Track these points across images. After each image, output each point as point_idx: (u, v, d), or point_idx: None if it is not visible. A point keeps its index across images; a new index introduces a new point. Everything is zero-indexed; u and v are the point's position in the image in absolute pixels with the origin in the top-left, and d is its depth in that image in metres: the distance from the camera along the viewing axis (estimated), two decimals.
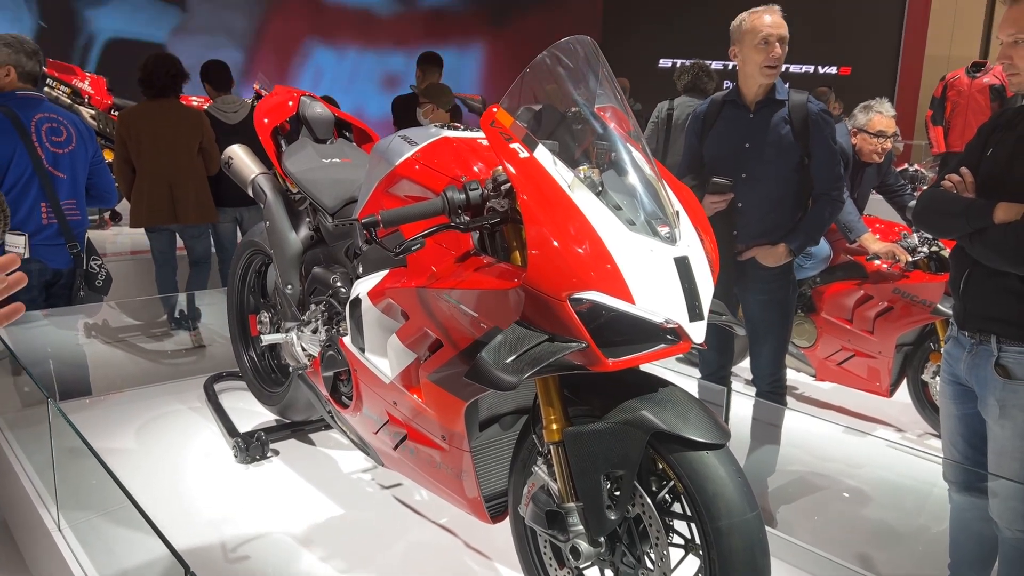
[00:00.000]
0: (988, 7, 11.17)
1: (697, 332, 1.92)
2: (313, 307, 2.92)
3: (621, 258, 1.87)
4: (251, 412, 3.73)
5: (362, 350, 2.50)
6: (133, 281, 5.64)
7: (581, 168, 2.06)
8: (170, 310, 5.03)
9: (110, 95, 7.31)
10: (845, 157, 4.52)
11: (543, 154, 2.01)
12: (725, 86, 4.73)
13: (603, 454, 1.92)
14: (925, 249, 4.48)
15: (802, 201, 3.51)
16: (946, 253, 4.47)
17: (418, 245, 1.96)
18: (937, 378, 4.53)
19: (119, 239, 7.09)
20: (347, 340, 2.58)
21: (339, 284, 2.82)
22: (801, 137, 3.40)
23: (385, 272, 2.43)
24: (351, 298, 2.52)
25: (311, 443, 3.52)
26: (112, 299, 5.06)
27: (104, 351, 4.54)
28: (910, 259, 4.40)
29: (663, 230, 1.98)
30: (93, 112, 7.17)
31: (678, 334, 1.93)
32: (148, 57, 5.25)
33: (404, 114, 6.24)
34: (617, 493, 1.92)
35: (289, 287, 3.05)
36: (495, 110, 2.09)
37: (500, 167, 2.07)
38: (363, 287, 2.45)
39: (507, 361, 1.84)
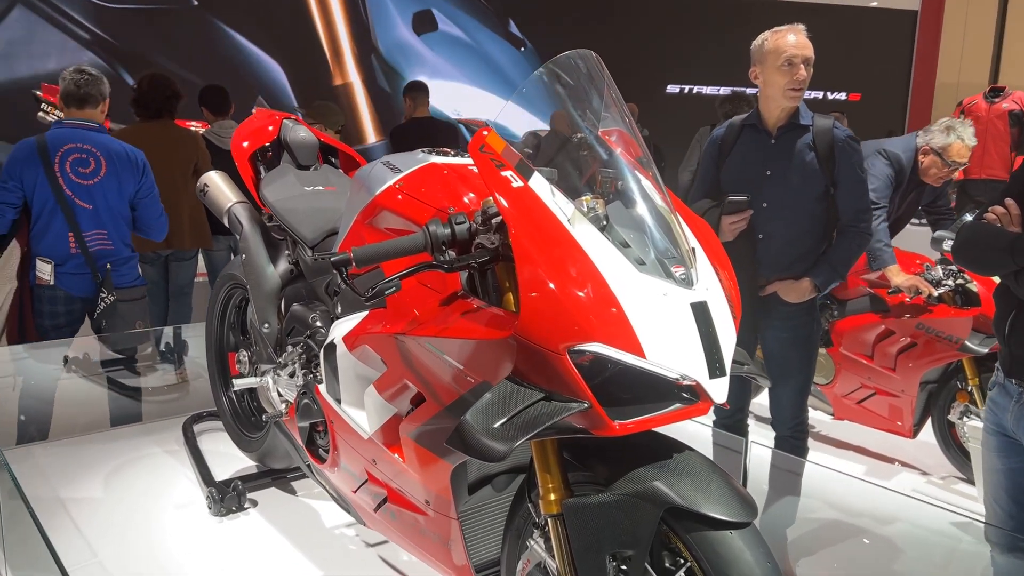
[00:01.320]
0: (997, 33, 10.95)
1: (718, 391, 1.63)
2: (290, 348, 2.64)
3: (629, 304, 1.59)
4: (232, 456, 3.44)
5: (338, 400, 2.21)
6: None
7: (583, 199, 1.78)
8: (156, 344, 4.75)
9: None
10: (901, 174, 4.23)
11: (539, 183, 1.74)
12: None
13: (609, 531, 1.62)
14: (951, 282, 4.18)
15: (827, 233, 3.22)
16: (973, 287, 4.17)
17: (392, 288, 1.68)
18: (965, 419, 4.23)
19: None
20: (323, 388, 2.30)
21: (318, 324, 2.53)
22: (826, 164, 3.12)
23: (364, 313, 2.14)
24: (326, 342, 2.24)
25: (292, 492, 3.22)
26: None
27: (82, 388, 4.26)
28: (935, 293, 4.10)
29: (678, 271, 1.69)
30: None
31: (696, 392, 1.64)
32: (142, 77, 5.02)
33: (403, 145, 6.02)
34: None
35: (266, 326, 2.77)
36: (485, 133, 1.82)
37: (491, 198, 1.79)
38: (339, 330, 2.17)
39: (496, 425, 1.56)
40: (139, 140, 4.80)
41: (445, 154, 2.23)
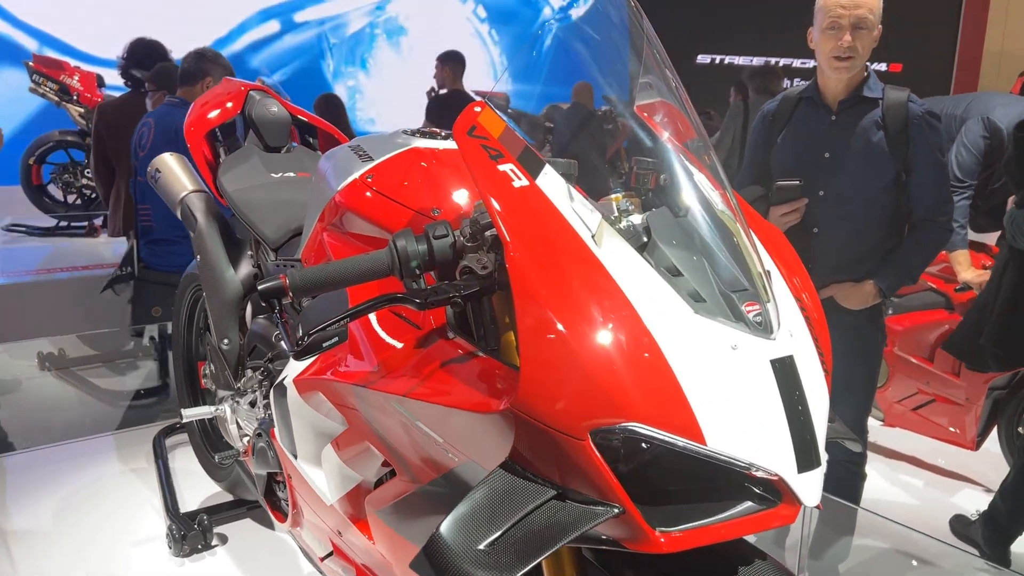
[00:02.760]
0: None
1: (810, 489, 1.10)
2: (250, 373, 2.12)
3: (682, 362, 1.07)
4: (205, 477, 2.95)
5: (294, 454, 1.70)
6: (109, 299, 4.87)
7: (612, 202, 1.25)
8: (139, 337, 4.27)
9: (101, 93, 6.57)
10: (998, 150, 3.56)
11: (552, 182, 1.20)
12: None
13: None
14: None
15: (896, 227, 2.64)
16: None
17: (334, 340, 1.16)
18: None
19: (108, 249, 6.35)
20: (277, 433, 1.78)
21: (283, 344, 2.01)
22: (898, 146, 2.54)
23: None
24: (277, 380, 1.72)
25: (269, 526, 2.73)
26: (77, 322, 4.34)
27: (53, 390, 3.80)
28: None
29: (750, 310, 1.15)
30: (82, 110, 6.45)
31: (776, 489, 1.11)
32: (130, 43, 4.50)
33: (441, 118, 5.41)
34: None
35: (225, 342, 2.26)
36: (477, 110, 1.28)
37: (481, 196, 1.27)
38: (293, 368, 1.64)
39: (484, 545, 1.05)
40: (126, 112, 4.31)
41: (433, 136, 1.69)
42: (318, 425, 1.57)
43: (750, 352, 1.10)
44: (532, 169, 1.21)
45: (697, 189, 1.30)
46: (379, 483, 1.48)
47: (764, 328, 1.14)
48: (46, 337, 4.16)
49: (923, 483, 3.94)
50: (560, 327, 1.06)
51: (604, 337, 1.06)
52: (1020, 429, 3.75)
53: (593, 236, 1.16)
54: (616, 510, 1.06)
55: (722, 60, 10.23)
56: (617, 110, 1.52)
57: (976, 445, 3.87)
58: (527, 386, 1.06)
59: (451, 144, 1.67)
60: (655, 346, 1.07)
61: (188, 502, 2.82)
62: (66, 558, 2.54)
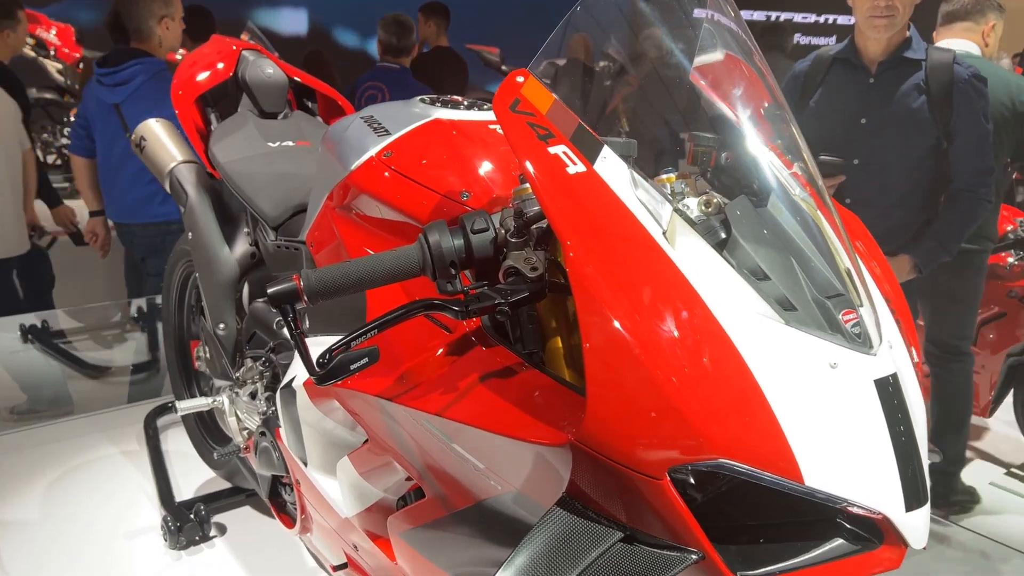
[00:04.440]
0: None
1: (917, 529, 0.94)
2: (250, 363, 1.94)
3: (775, 385, 0.90)
4: (200, 460, 2.78)
5: (304, 462, 1.53)
6: (97, 267, 4.63)
7: (664, 180, 1.07)
8: (127, 308, 4.06)
9: (79, 47, 6.24)
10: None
11: (612, 167, 1.02)
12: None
13: None
14: None
15: (934, 198, 2.47)
16: None
17: (361, 363, 0.98)
18: None
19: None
20: (285, 435, 1.61)
21: (285, 332, 1.83)
22: (941, 111, 2.35)
23: (338, 338, 1.43)
24: (284, 381, 1.54)
25: (270, 514, 2.56)
26: (63, 293, 4.10)
27: (37, 365, 3.60)
28: None
29: (848, 319, 0.98)
30: (60, 67, 6.13)
31: (876, 528, 0.95)
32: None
33: (427, 77, 4.93)
34: None
35: (221, 327, 2.07)
36: (520, 79, 1.08)
37: (529, 184, 1.08)
38: (302, 369, 1.46)
39: None
40: None
41: (456, 105, 1.49)
42: (332, 434, 1.40)
43: (851, 371, 0.94)
44: (588, 152, 1.03)
45: (773, 171, 1.12)
46: (402, 501, 1.32)
47: (864, 341, 0.97)
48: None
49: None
50: (634, 346, 0.88)
51: (685, 358, 0.89)
52: None
53: (664, 233, 0.97)
54: (694, 556, 0.90)
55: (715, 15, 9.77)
56: (616, 65, 1.34)
57: (989, 412, 3.76)
58: (595, 416, 0.89)
59: (476, 114, 1.47)
60: (744, 367, 0.90)
61: (183, 489, 2.66)
62: (56, 555, 2.38)
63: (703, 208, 1.05)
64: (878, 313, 1.02)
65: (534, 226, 1.06)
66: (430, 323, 1.19)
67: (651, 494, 0.89)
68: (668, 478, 0.88)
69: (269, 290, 1.03)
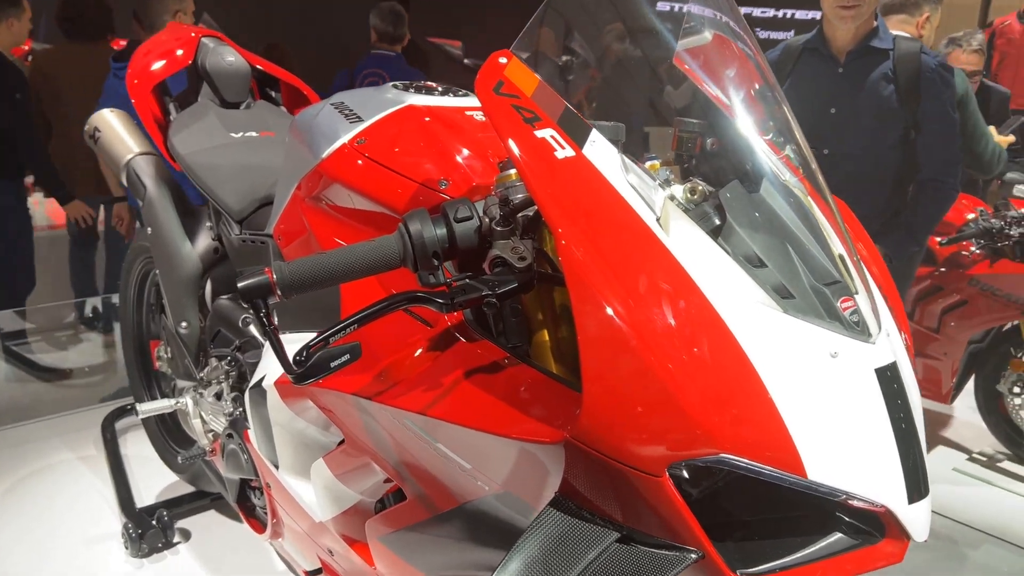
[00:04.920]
0: None
1: (919, 522, 0.92)
2: (215, 362, 1.86)
3: (775, 376, 0.86)
4: (162, 464, 2.69)
5: (275, 464, 1.46)
6: (45, 266, 4.47)
7: (666, 171, 1.03)
8: (82, 307, 3.92)
9: (28, 39, 6.00)
10: None
11: (601, 151, 0.97)
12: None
13: None
14: (1014, 232, 3.46)
15: (902, 188, 2.48)
16: None
17: (342, 360, 0.92)
18: (1016, 389, 3.61)
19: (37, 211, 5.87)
20: (253, 436, 1.54)
21: (252, 330, 1.76)
22: (909, 101, 2.36)
23: (312, 335, 1.37)
24: (253, 380, 1.47)
25: (236, 518, 2.48)
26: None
27: None
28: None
29: (845, 307, 0.95)
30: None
31: (876, 521, 0.92)
32: None
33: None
34: None
35: (183, 325, 1.98)
36: (503, 60, 1.03)
37: (513, 170, 1.03)
38: (272, 366, 1.39)
39: None
40: (65, 64, 3.85)
41: (429, 91, 1.43)
42: (305, 435, 1.34)
43: (851, 360, 0.90)
44: (576, 135, 0.98)
45: (762, 156, 1.09)
46: (381, 504, 1.26)
47: (862, 329, 0.94)
48: None
49: None
50: (631, 337, 0.84)
51: (684, 349, 0.85)
52: (999, 387, 3.70)
53: (658, 219, 0.93)
54: (694, 555, 0.86)
55: (680, 8, 9.86)
56: (580, 59, 1.30)
57: (951, 399, 3.81)
58: (591, 412, 0.84)
59: (451, 100, 1.42)
60: (743, 358, 0.86)
61: (144, 494, 2.56)
62: (10, 570, 2.27)
63: (688, 195, 1.01)
64: (874, 300, 1.00)
65: (520, 214, 1.01)
66: (409, 317, 1.14)
67: (649, 492, 0.85)
68: (667, 475, 0.84)
69: (239, 284, 0.96)
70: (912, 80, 2.35)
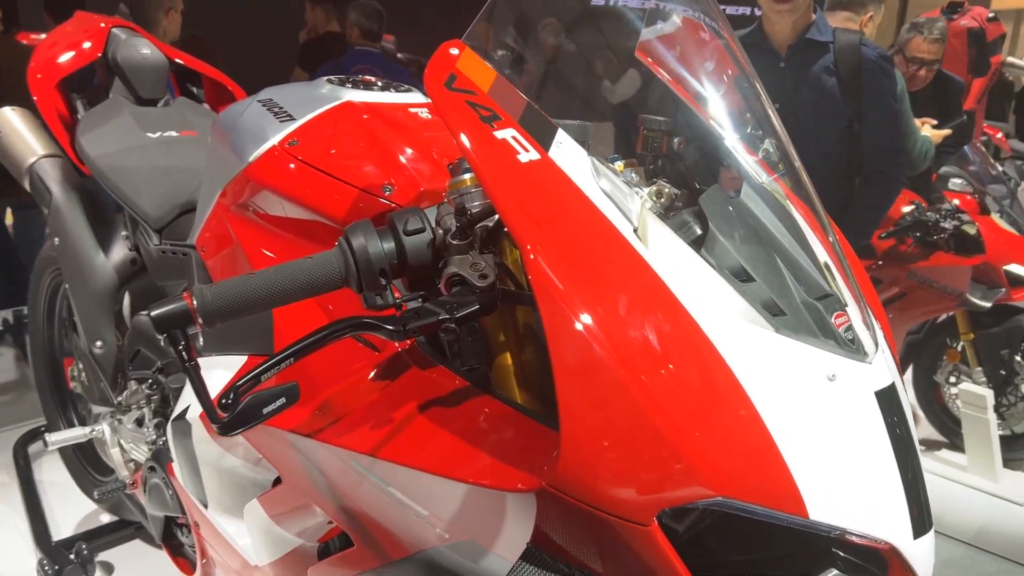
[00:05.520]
0: None
1: (923, 556, 0.83)
2: (134, 385, 1.69)
3: (771, 404, 0.77)
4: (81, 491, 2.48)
5: (204, 503, 1.31)
6: None
7: (630, 172, 0.93)
8: None
9: None
10: None
11: (569, 153, 0.86)
12: None
13: None
14: (948, 225, 3.50)
15: (848, 181, 2.45)
16: (972, 229, 3.51)
17: (277, 405, 0.79)
18: (952, 379, 3.67)
19: None
20: (178, 471, 1.38)
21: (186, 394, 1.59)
22: (852, 94, 2.33)
23: (239, 360, 1.22)
24: (175, 410, 1.32)
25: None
26: None
27: None
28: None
29: (839, 323, 0.86)
30: None
31: (877, 557, 0.84)
32: None
33: (317, 64, 4.56)
34: None
35: (97, 344, 1.80)
36: (455, 52, 0.91)
37: (467, 174, 0.91)
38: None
39: None
40: None
41: (369, 87, 1.30)
42: (236, 473, 1.19)
43: (850, 383, 0.82)
44: (541, 136, 0.87)
45: (739, 156, 0.99)
46: (324, 548, 1.13)
47: (858, 347, 0.85)
48: None
49: None
50: (615, 368, 0.73)
51: (672, 379, 0.75)
52: (936, 378, 3.74)
53: (636, 230, 0.83)
54: None
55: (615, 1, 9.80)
56: (516, 55, 1.20)
57: None
58: (571, 456, 0.73)
59: (393, 96, 1.29)
60: (737, 386, 0.77)
61: (62, 524, 2.35)
62: None
63: (654, 199, 0.91)
64: (866, 313, 0.91)
65: (479, 225, 0.89)
66: (353, 340, 1.01)
67: (635, 541, 0.74)
68: (657, 524, 0.74)
69: (152, 313, 0.82)
70: (853, 73, 2.33)
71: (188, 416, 1.24)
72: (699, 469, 0.73)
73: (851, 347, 0.85)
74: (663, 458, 0.73)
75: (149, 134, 1.82)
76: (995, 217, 3.63)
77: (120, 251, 1.83)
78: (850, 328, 0.86)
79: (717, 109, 1.02)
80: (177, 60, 2.08)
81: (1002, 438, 3.44)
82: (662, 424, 0.73)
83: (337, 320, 0.84)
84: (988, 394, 3.28)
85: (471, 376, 0.92)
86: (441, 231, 0.90)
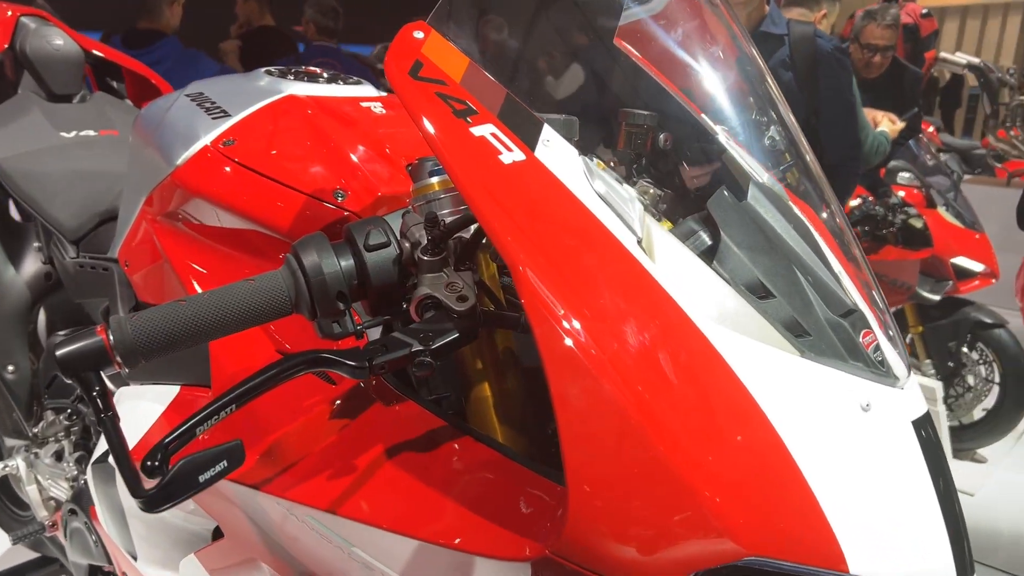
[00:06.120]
0: None
1: None
2: (51, 415, 1.50)
3: (801, 442, 0.65)
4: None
5: (133, 555, 1.14)
6: None
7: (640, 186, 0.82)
8: None
9: None
10: None
11: (560, 154, 0.74)
12: None
13: None
14: (896, 219, 3.50)
15: None
16: (919, 223, 3.51)
17: (217, 471, 0.64)
18: None
19: None
20: (103, 517, 1.21)
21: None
22: (807, 87, 2.27)
23: (171, 392, 1.06)
24: (96, 453, 1.15)
25: None
26: None
27: None
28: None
29: (867, 343, 0.76)
30: None
31: None
32: None
33: (251, 58, 4.26)
34: None
35: (10, 369, 1.60)
36: (419, 35, 0.78)
37: (435, 178, 0.78)
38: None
39: None
40: None
41: (312, 78, 1.15)
42: (169, 524, 1.03)
43: (886, 413, 0.71)
44: (524, 133, 0.74)
45: (735, 153, 0.88)
46: None
47: (887, 370, 0.75)
48: None
49: None
50: (632, 410, 0.61)
51: (696, 419, 0.63)
52: None
53: (640, 242, 0.71)
54: None
55: None
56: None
57: None
58: (581, 516, 0.61)
59: (342, 89, 1.14)
60: (765, 422, 0.65)
61: None
62: None
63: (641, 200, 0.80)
64: (890, 329, 0.81)
65: (453, 238, 0.76)
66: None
67: None
68: None
69: (59, 352, 0.67)
70: (809, 65, 2.28)
71: (111, 460, 1.07)
72: (730, 523, 0.61)
73: (881, 370, 0.74)
74: (689, 512, 0.61)
75: (63, 134, 1.63)
76: (941, 211, 3.65)
77: (32, 265, 1.63)
78: (878, 348, 0.76)
79: (710, 100, 0.91)
80: (95, 52, 1.88)
81: (951, 429, 3.46)
82: (687, 472, 0.61)
83: (289, 356, 0.70)
84: (937, 386, 3.28)
85: (442, 410, 0.79)
86: (408, 244, 0.77)
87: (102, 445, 1.13)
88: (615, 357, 0.62)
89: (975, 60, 5.67)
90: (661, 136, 0.97)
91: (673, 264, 0.71)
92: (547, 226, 0.68)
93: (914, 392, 0.75)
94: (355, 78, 1.20)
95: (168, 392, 1.07)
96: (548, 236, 0.67)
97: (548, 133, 0.75)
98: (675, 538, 0.61)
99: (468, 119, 0.72)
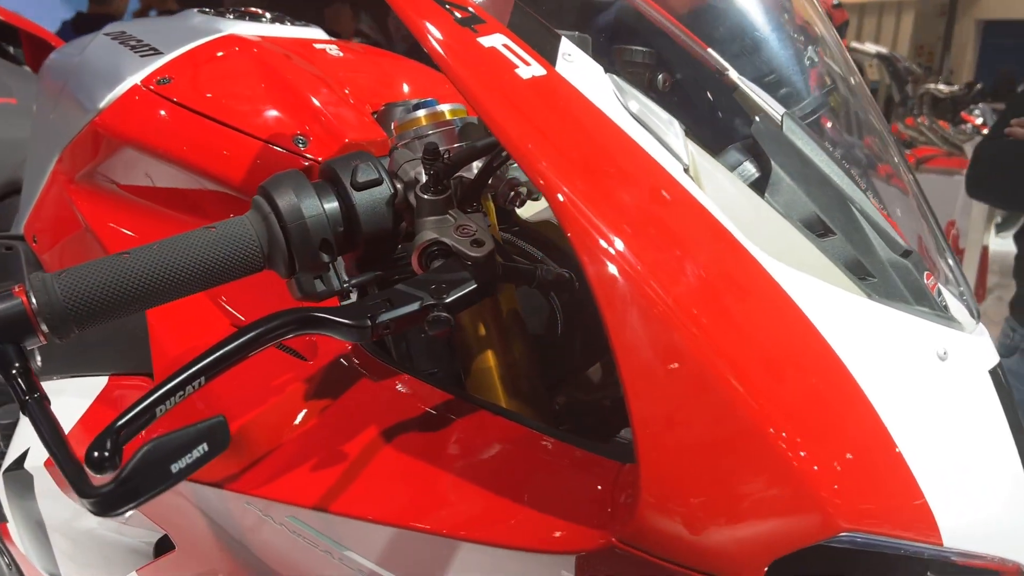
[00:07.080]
0: None
1: None
2: None
3: (884, 396, 0.54)
4: None
5: None
6: None
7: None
8: None
9: None
10: None
11: (585, 70, 0.61)
12: None
13: None
14: None
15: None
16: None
17: (197, 456, 0.49)
18: None
19: None
20: (16, 535, 1.02)
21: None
22: None
23: (100, 380, 0.89)
24: (10, 458, 0.96)
25: None
26: None
27: None
28: None
29: (930, 284, 0.67)
30: None
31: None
32: None
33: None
34: None
35: None
36: None
37: (421, 111, 0.65)
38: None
39: None
40: None
41: (255, 17, 0.99)
42: (101, 538, 0.86)
43: (963, 361, 0.62)
44: (541, 46, 0.61)
45: (752, 88, 0.79)
46: None
47: (946, 314, 0.67)
48: None
49: None
50: (712, 358, 0.49)
51: (776, 370, 0.52)
52: None
53: (687, 169, 0.59)
54: None
55: None
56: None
57: None
58: (655, 492, 0.49)
59: (290, 30, 0.99)
60: (845, 373, 0.55)
61: None
62: None
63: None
64: (952, 268, 0.73)
65: (465, 172, 0.63)
66: (273, 348, 0.72)
67: None
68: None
69: None
70: None
71: (27, 465, 0.89)
72: (822, 493, 0.51)
73: (949, 315, 0.66)
74: (777, 481, 0.50)
75: None
76: None
77: None
78: (941, 292, 0.67)
79: (727, 30, 0.81)
80: None
81: None
82: (772, 433, 0.50)
83: (272, 315, 0.55)
84: None
85: (435, 380, 0.66)
86: (401, 184, 0.63)
87: (14, 448, 0.94)
88: (681, 297, 0.51)
89: (884, 50, 5.85)
90: (659, 76, 0.87)
91: (725, 195, 0.60)
92: (584, 150, 0.56)
93: (984, 338, 0.67)
94: (303, 21, 1.06)
95: (94, 384, 0.90)
96: (589, 160, 0.55)
97: (568, 47, 0.63)
98: (766, 514, 0.50)
99: (474, 27, 0.60)
